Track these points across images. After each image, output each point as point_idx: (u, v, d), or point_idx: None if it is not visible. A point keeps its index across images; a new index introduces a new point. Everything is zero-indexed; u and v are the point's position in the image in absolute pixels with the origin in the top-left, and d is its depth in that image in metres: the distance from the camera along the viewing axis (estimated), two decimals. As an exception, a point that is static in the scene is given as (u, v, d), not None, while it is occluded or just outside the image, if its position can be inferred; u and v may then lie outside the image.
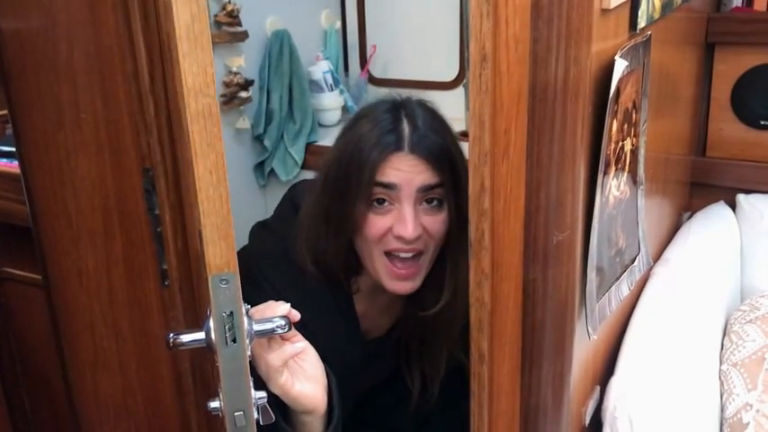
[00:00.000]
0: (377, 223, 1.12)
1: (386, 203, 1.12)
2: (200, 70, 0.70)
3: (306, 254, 1.17)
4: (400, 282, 1.15)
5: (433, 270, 1.18)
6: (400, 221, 1.10)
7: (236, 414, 0.80)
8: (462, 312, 1.21)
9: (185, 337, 0.84)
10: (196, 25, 0.69)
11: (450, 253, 1.17)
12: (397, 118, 1.12)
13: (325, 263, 1.17)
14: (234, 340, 0.77)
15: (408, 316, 1.28)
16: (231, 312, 0.76)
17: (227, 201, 0.74)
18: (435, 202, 1.13)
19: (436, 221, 1.13)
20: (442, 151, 1.11)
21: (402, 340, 1.30)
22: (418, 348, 1.29)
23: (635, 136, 1.07)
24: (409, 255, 1.13)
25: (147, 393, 1.26)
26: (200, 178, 0.73)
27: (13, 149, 1.27)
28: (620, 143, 1.00)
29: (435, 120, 1.16)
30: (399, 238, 1.11)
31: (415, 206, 1.11)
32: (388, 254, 1.14)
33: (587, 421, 1.09)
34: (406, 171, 1.10)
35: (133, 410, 1.27)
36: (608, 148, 0.94)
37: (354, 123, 1.17)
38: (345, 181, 1.12)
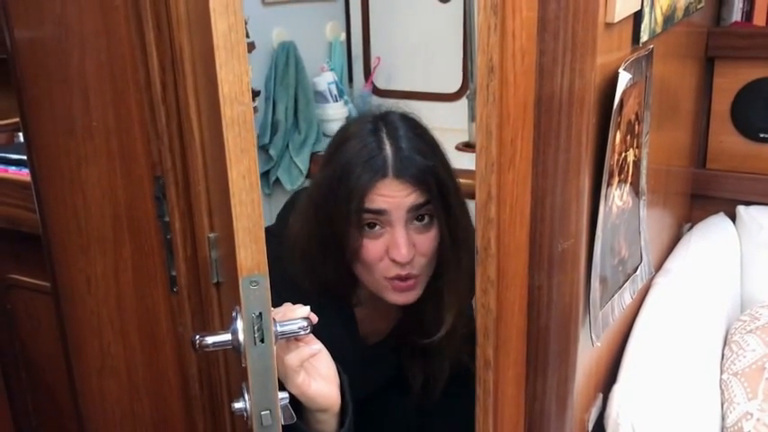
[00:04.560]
0: (372, 248, 1.15)
1: (377, 227, 1.14)
2: (236, 79, 0.71)
3: (305, 275, 1.20)
4: (402, 294, 1.18)
5: (430, 282, 1.21)
6: (393, 245, 1.13)
7: (262, 413, 0.81)
8: (462, 324, 1.24)
9: (211, 339, 0.85)
10: (233, 35, 0.70)
11: (449, 279, 1.20)
12: (380, 140, 1.13)
13: (325, 284, 1.20)
14: (262, 340, 0.78)
15: (406, 321, 1.30)
16: (260, 313, 0.77)
17: (259, 205, 0.75)
18: (426, 219, 1.15)
19: (427, 239, 1.16)
20: (428, 170, 1.13)
21: (401, 343, 1.32)
22: (420, 352, 1.31)
23: (637, 147, 1.08)
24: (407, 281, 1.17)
25: (154, 399, 1.26)
26: (234, 183, 0.74)
27: (23, 157, 1.28)
28: (623, 154, 1.02)
29: (417, 136, 1.16)
30: (394, 261, 1.14)
31: (406, 226, 1.14)
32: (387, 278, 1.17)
33: (590, 428, 1.10)
34: (393, 197, 1.12)
35: (140, 416, 1.28)
36: (611, 159, 0.96)
37: (338, 148, 1.17)
38: (335, 207, 1.14)
